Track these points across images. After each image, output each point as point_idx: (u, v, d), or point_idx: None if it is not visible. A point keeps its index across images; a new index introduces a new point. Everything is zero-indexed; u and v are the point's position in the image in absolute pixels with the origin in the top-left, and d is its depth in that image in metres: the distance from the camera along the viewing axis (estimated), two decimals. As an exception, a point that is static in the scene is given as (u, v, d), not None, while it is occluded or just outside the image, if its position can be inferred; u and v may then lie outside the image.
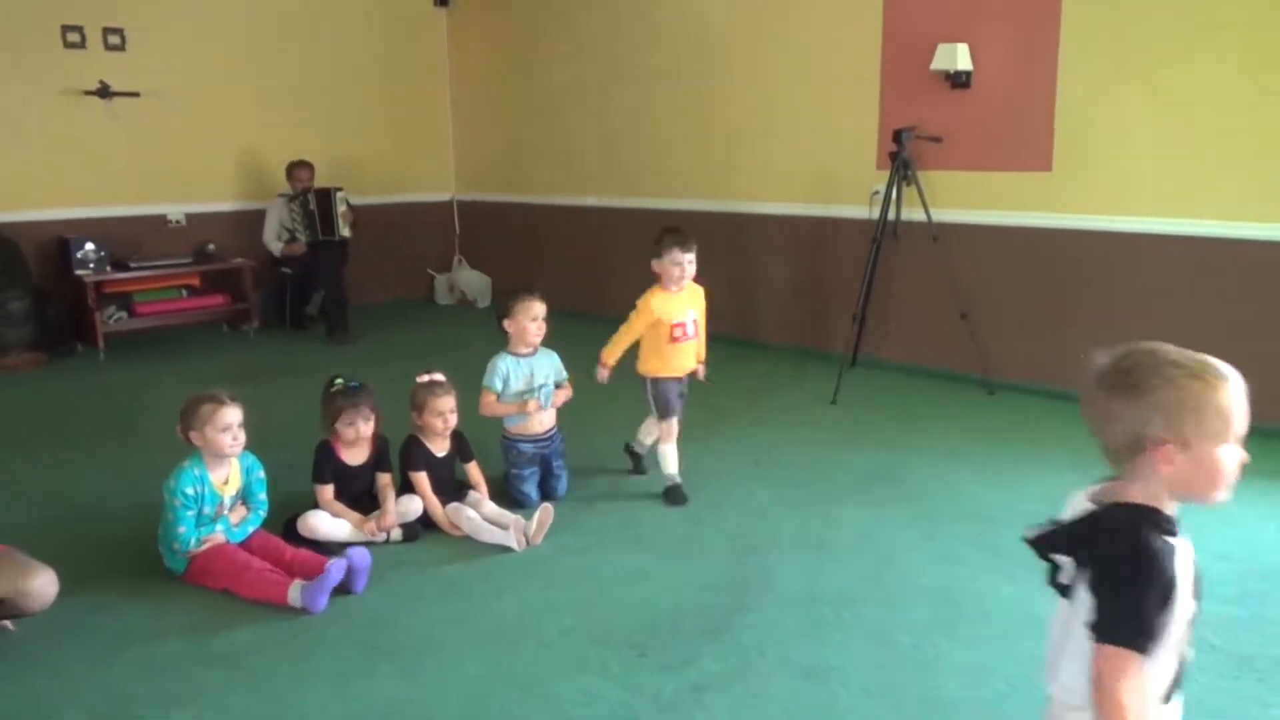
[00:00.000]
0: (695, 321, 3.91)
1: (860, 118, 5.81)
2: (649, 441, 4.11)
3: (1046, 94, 5.06)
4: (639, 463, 4.18)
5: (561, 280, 7.39)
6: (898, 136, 5.35)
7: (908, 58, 5.52)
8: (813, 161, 6.09)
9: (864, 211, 5.77)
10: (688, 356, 3.94)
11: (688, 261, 3.78)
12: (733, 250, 6.53)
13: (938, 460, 4.32)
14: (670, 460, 3.88)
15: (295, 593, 2.98)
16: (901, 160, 5.35)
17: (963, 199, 5.43)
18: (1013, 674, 2.60)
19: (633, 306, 3.87)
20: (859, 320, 5.72)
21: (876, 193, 5.68)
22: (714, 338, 6.49)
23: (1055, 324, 5.22)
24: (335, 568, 2.98)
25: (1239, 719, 2.41)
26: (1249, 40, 4.43)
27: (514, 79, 7.88)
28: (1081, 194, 5.03)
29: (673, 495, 3.85)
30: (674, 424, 3.89)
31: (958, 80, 5.34)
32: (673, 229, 3.85)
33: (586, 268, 7.48)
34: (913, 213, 5.44)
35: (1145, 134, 4.78)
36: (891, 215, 5.49)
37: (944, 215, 5.40)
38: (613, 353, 3.89)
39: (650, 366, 3.89)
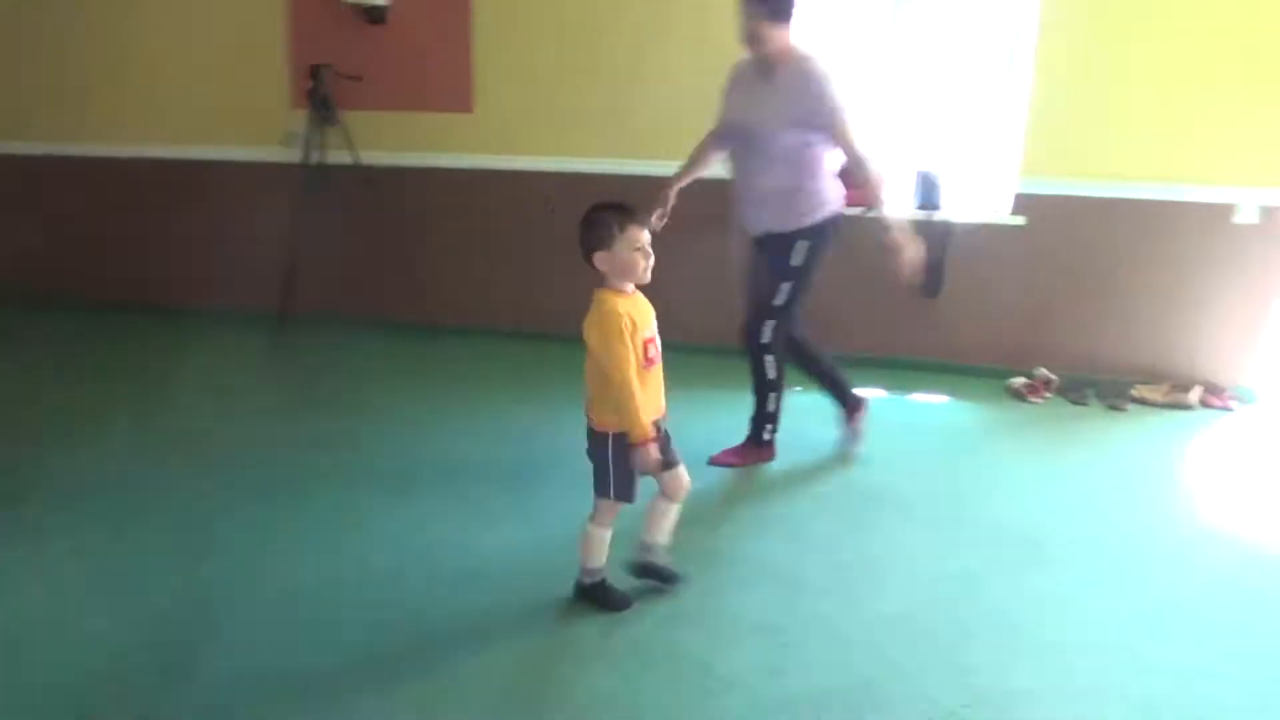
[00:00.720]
0: None
1: (267, 51, 5.30)
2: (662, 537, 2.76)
3: (462, 35, 5.05)
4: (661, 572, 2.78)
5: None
6: (315, 73, 4.98)
7: (317, -15, 5.15)
8: (217, 100, 5.44)
9: (281, 154, 5.32)
10: (660, 388, 2.63)
11: (649, 243, 2.55)
12: (116, 203, 5.67)
13: (400, 413, 4.19)
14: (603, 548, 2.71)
15: None
16: (321, 99, 5.00)
17: (390, 140, 5.24)
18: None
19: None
20: (291, 274, 5.31)
21: (293, 134, 5.27)
22: (110, 306, 5.71)
23: (489, 263, 5.32)
24: None
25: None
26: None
27: None
28: (501, 136, 5.14)
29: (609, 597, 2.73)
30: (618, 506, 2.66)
31: (373, 15, 5.09)
32: (616, 203, 2.55)
33: None
34: (339, 154, 5.13)
35: (553, 76, 5.01)
36: (316, 158, 5.13)
37: (373, 157, 5.17)
38: (639, 410, 2.48)
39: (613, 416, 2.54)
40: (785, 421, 3.80)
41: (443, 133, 5.20)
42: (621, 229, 2.50)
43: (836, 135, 3.31)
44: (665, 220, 3.54)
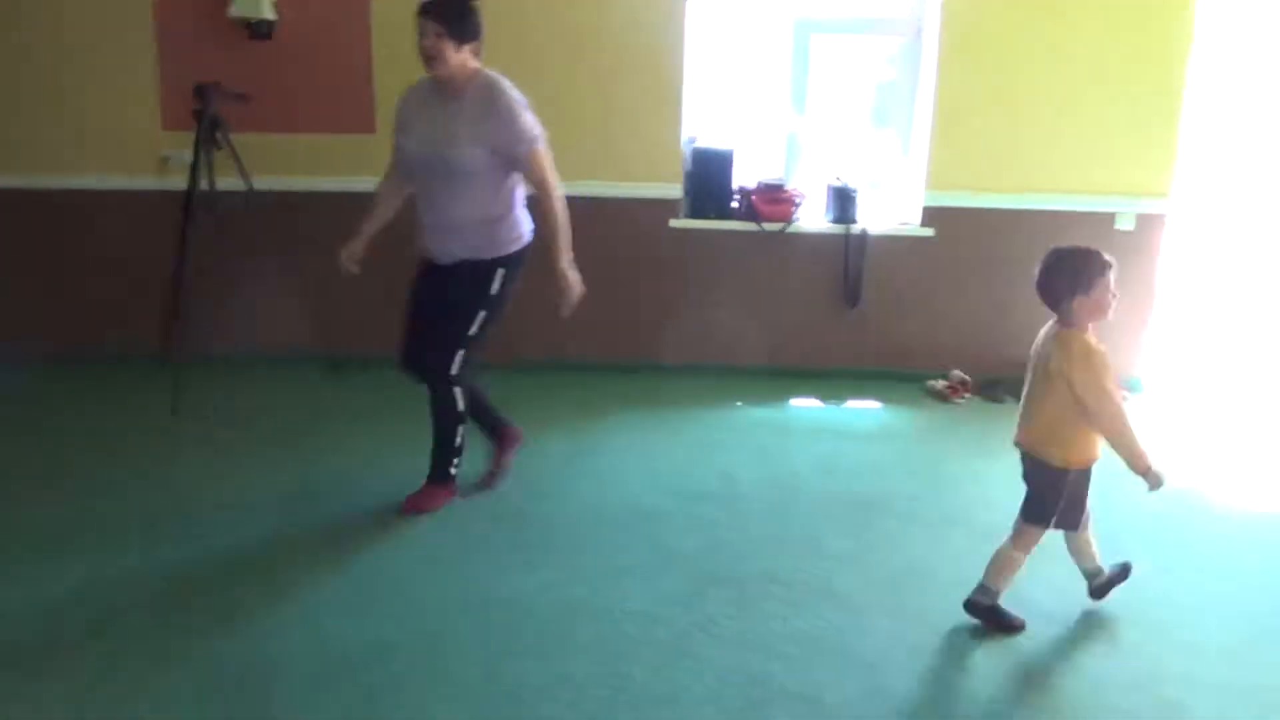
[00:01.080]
0: None
1: (134, 70, 4.80)
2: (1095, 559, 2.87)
3: (362, 52, 4.77)
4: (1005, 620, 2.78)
5: None
6: (202, 92, 4.55)
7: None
8: (78, 123, 4.86)
9: (154, 182, 4.83)
10: None
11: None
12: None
13: (319, 453, 3.96)
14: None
15: None
16: (210, 120, 4.57)
17: (284, 164, 4.86)
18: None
19: None
20: (177, 312, 4.81)
21: (168, 158, 4.81)
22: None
23: (397, 289, 5.03)
24: None
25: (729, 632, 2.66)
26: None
27: None
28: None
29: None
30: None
31: (259, 30, 4.72)
32: (1086, 248, 2.65)
33: None
34: (229, 181, 4.70)
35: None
36: (204, 185, 4.68)
37: (266, 183, 4.77)
38: (1138, 440, 2.61)
39: (1079, 451, 2.66)
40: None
41: (343, 155, 4.88)
42: (1102, 273, 2.58)
43: (527, 162, 3.23)
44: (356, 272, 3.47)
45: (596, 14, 4.73)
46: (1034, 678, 2.56)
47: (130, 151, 4.86)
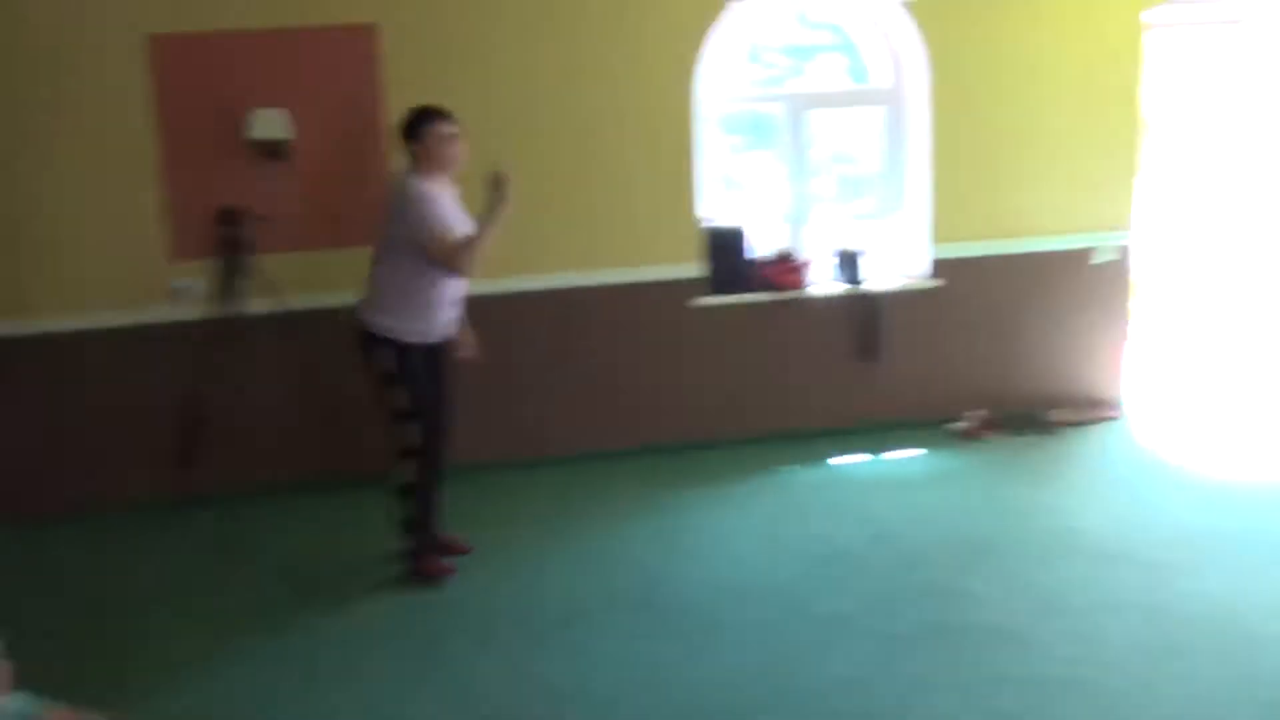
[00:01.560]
0: None
1: (135, 196, 4.62)
2: None
3: (378, 165, 4.75)
4: None
5: None
6: (229, 216, 4.44)
7: (203, 122, 4.59)
8: (74, 261, 4.64)
9: (166, 313, 4.65)
10: None
11: None
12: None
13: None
14: None
15: None
16: (241, 244, 4.46)
17: (306, 281, 4.74)
18: None
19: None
20: (186, 454, 4.62)
21: (186, 288, 4.65)
22: None
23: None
24: None
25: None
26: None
27: None
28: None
29: None
30: None
31: (275, 151, 4.64)
32: None
33: None
34: (251, 303, 4.57)
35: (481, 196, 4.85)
36: (231, 310, 4.54)
37: (289, 302, 4.66)
38: None
39: None
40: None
41: (360, 266, 4.81)
42: None
43: None
44: None
45: (607, 102, 4.86)
46: None
47: (136, 285, 4.65)
